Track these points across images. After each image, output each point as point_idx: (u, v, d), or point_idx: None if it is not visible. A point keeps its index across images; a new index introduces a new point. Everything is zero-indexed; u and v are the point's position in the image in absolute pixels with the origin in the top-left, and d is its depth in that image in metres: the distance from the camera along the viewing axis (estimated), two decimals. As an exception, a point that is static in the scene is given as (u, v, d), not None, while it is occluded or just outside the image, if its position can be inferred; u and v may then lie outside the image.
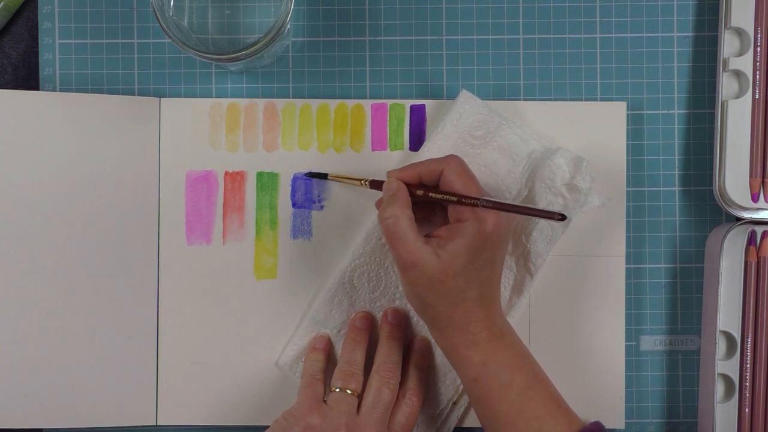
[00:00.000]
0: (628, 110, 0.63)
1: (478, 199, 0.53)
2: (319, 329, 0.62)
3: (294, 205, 0.63)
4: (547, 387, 0.55)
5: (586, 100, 0.64)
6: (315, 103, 0.63)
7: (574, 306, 0.63)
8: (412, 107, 0.63)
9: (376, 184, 0.59)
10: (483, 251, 0.53)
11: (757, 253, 0.61)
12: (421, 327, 0.62)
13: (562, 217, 0.50)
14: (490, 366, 0.54)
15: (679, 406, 0.64)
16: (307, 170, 0.63)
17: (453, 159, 0.55)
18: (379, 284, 0.62)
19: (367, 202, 0.63)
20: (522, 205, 0.54)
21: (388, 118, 0.63)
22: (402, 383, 0.60)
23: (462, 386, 0.62)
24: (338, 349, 0.62)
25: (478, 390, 0.54)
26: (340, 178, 0.62)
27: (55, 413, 0.62)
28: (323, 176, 0.62)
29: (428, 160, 0.56)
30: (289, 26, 0.58)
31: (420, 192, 0.55)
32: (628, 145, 0.63)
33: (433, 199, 0.55)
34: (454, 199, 0.54)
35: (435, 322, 0.55)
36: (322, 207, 0.63)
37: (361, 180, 0.60)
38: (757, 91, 0.62)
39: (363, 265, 0.62)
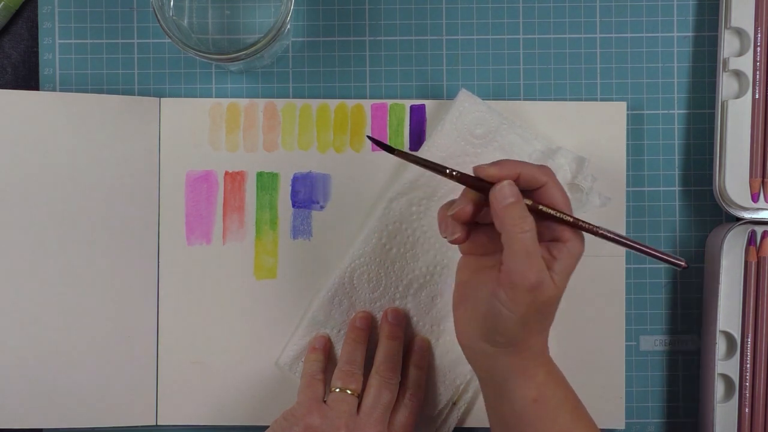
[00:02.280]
0: (628, 110, 0.63)
1: (599, 228, 0.50)
2: (319, 329, 0.62)
3: (294, 205, 0.63)
4: (571, 410, 0.53)
5: (586, 100, 0.64)
6: (315, 103, 0.63)
7: (574, 306, 0.63)
8: (412, 107, 0.63)
9: (466, 179, 0.51)
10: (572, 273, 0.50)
11: (757, 253, 0.61)
12: (421, 327, 0.62)
13: (687, 266, 0.49)
14: (548, 386, 0.51)
15: (679, 406, 0.64)
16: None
17: (551, 171, 0.51)
18: (379, 284, 0.62)
19: (367, 202, 0.63)
20: (646, 246, 0.50)
21: (388, 118, 0.63)
22: (402, 383, 0.60)
23: (462, 386, 0.62)
24: (338, 349, 0.62)
25: (536, 410, 0.51)
26: (413, 160, 0.53)
27: (55, 413, 0.62)
28: (389, 149, 0.53)
29: (528, 164, 0.50)
30: (289, 26, 0.58)
31: (529, 203, 0.50)
32: (628, 145, 0.63)
33: (539, 213, 0.50)
34: (570, 220, 0.50)
35: (517, 342, 0.50)
36: (322, 207, 0.63)
37: (446, 168, 0.52)
38: (757, 91, 0.62)
39: (363, 265, 0.62)
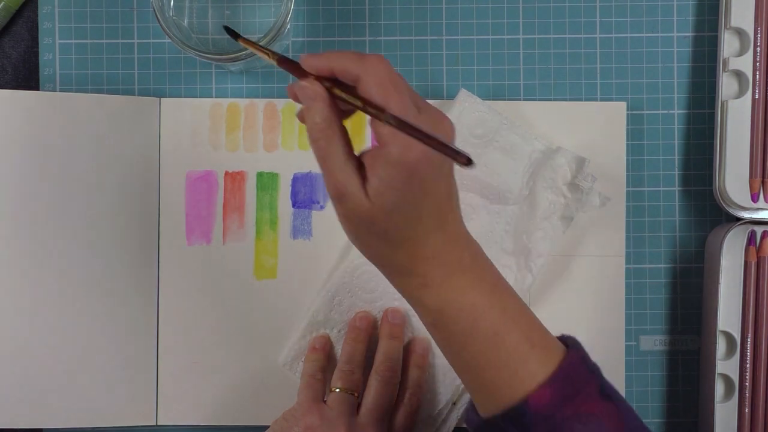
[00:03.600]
0: (628, 110, 0.63)
1: (383, 113, 0.41)
2: (319, 329, 0.62)
3: (294, 205, 0.63)
4: (518, 326, 0.46)
5: (586, 100, 0.64)
6: (315, 103, 0.63)
7: (574, 306, 0.63)
8: (412, 107, 0.63)
9: (285, 63, 0.47)
10: (412, 183, 0.42)
11: (757, 253, 0.61)
12: (421, 327, 0.62)
13: (469, 162, 0.39)
14: (447, 312, 0.46)
15: (679, 406, 0.64)
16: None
17: (377, 62, 0.42)
18: (379, 284, 0.62)
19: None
20: (433, 135, 0.40)
21: (388, 118, 0.63)
22: (402, 383, 0.60)
23: (462, 386, 0.62)
24: (338, 349, 0.62)
25: (438, 336, 0.47)
26: (250, 44, 0.51)
27: (55, 413, 0.62)
28: (235, 35, 0.52)
29: (348, 54, 0.43)
30: (289, 26, 0.58)
31: (327, 85, 0.43)
32: (628, 145, 0.63)
33: (336, 97, 0.44)
34: (359, 104, 0.42)
35: (378, 264, 0.47)
36: (322, 207, 0.63)
37: (268, 52, 0.48)
38: (757, 91, 0.62)
39: (363, 265, 0.62)
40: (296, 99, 0.45)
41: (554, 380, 0.45)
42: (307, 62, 0.44)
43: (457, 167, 0.42)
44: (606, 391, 0.46)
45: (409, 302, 0.48)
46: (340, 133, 0.44)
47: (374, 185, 0.43)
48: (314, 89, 0.43)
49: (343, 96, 0.43)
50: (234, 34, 0.53)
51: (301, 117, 0.45)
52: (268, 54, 0.48)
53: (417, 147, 0.41)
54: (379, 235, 0.44)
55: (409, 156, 0.42)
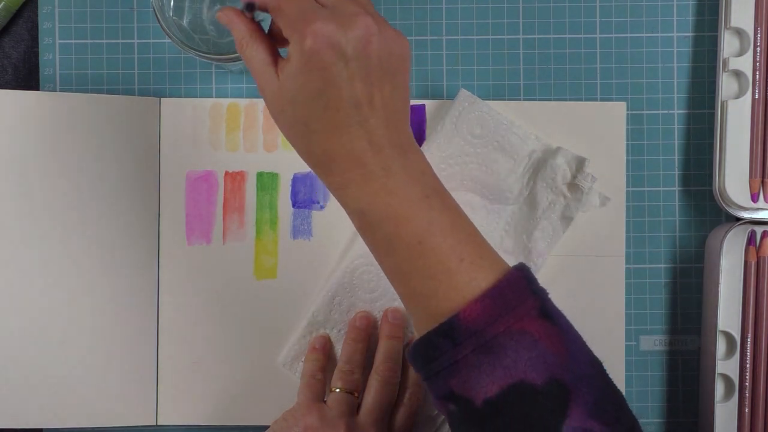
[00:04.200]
0: (628, 110, 0.63)
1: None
2: (319, 329, 0.62)
3: (294, 205, 0.63)
4: (446, 240, 0.45)
5: (586, 100, 0.64)
6: (315, 103, 0.63)
7: (574, 306, 0.62)
8: (412, 107, 0.63)
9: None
10: (312, 72, 0.44)
11: (757, 253, 0.61)
12: (421, 327, 0.62)
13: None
14: (369, 216, 0.45)
15: (679, 406, 0.64)
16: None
17: None
18: (379, 284, 0.62)
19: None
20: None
21: (388, 118, 0.63)
22: (402, 383, 0.60)
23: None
24: (338, 349, 0.62)
25: (365, 240, 0.47)
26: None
27: (55, 413, 0.62)
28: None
29: None
30: (289, 26, 0.58)
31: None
32: (628, 145, 0.63)
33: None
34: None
35: (303, 156, 0.47)
36: (322, 207, 0.63)
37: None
38: (757, 91, 0.62)
39: (363, 265, 0.62)
40: (228, 25, 0.49)
41: (487, 296, 0.44)
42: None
43: None
44: (548, 312, 0.44)
45: (341, 202, 0.47)
46: (260, 40, 0.47)
47: (285, 71, 0.45)
48: (229, 15, 0.48)
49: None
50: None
51: (239, 47, 0.48)
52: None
53: (308, 37, 0.43)
54: (291, 125, 0.46)
55: (303, 45, 0.43)
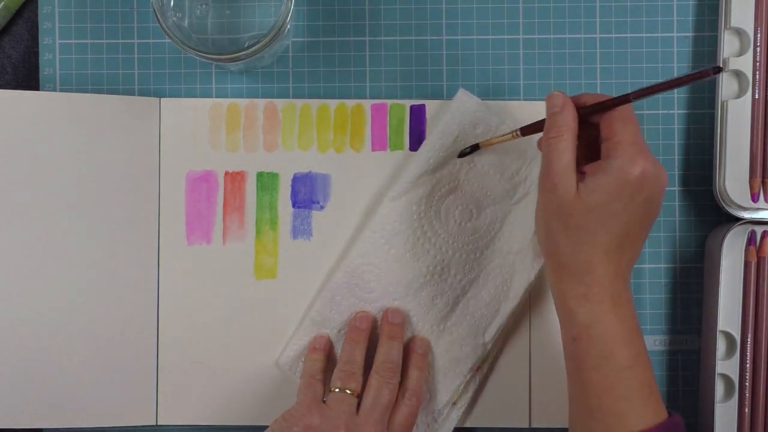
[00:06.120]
0: (628, 110, 0.63)
1: (629, 95, 0.51)
2: (319, 329, 0.62)
3: (294, 205, 0.63)
4: (646, 371, 0.52)
5: (586, 100, 0.64)
6: (315, 104, 0.63)
7: (574, 306, 0.63)
8: (412, 107, 0.63)
9: (527, 129, 0.57)
10: (622, 195, 0.50)
11: (757, 253, 0.61)
12: (421, 327, 0.62)
13: (717, 70, 0.47)
14: (594, 329, 0.51)
15: (679, 406, 0.64)
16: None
17: (625, 109, 0.51)
18: (379, 284, 0.62)
19: (367, 202, 0.63)
20: (670, 80, 0.51)
21: (388, 118, 0.63)
22: (402, 383, 0.60)
23: (462, 386, 0.62)
24: (338, 349, 0.62)
25: (574, 350, 0.52)
26: (491, 142, 0.60)
27: (55, 413, 0.62)
28: (476, 147, 0.61)
29: (595, 103, 0.52)
30: (289, 26, 0.58)
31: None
32: (628, 145, 0.63)
33: (583, 114, 0.52)
34: (604, 106, 0.51)
35: (552, 258, 0.53)
36: (322, 207, 0.63)
37: (512, 133, 0.58)
38: (757, 91, 0.62)
39: (363, 265, 0.62)
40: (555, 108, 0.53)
41: (662, 428, 0.50)
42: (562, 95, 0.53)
43: None
44: None
45: (558, 310, 0.53)
46: (572, 139, 0.51)
47: (588, 184, 0.50)
48: (564, 99, 0.52)
49: (588, 108, 0.52)
50: (473, 149, 0.61)
51: (548, 133, 0.52)
52: (513, 134, 0.58)
53: (637, 166, 0.49)
54: (569, 229, 0.51)
55: (629, 171, 0.49)
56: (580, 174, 0.51)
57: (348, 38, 0.64)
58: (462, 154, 0.61)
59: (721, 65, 0.49)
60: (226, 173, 0.63)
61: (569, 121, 0.51)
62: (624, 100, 0.51)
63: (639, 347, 0.52)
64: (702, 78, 0.48)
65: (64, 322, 0.62)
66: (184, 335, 0.63)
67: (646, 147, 0.51)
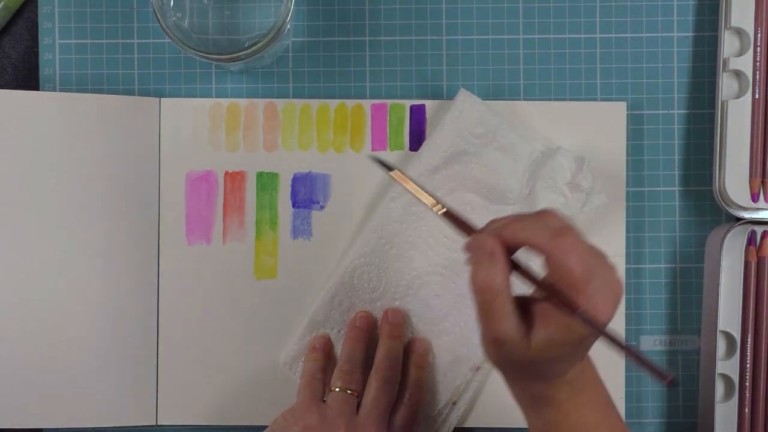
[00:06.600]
0: (628, 110, 0.63)
1: (577, 309, 0.43)
2: (319, 329, 0.62)
3: (294, 205, 0.63)
4: None
5: (586, 100, 0.64)
6: (315, 104, 0.63)
7: (574, 306, 0.63)
8: (412, 107, 0.63)
9: (453, 218, 0.48)
10: (581, 344, 0.45)
11: (757, 253, 0.61)
12: (421, 327, 0.62)
13: (671, 383, 0.43)
14: (562, 425, 0.48)
15: (679, 406, 0.64)
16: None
17: (573, 245, 0.43)
18: (379, 284, 0.62)
19: (367, 202, 0.63)
20: (634, 351, 0.44)
21: (388, 118, 0.63)
22: (402, 383, 0.60)
23: (462, 386, 0.62)
24: (338, 349, 0.62)
25: None
26: (407, 184, 0.49)
27: (55, 413, 0.62)
28: (388, 168, 0.50)
29: (539, 228, 0.44)
30: (289, 26, 0.58)
31: (511, 259, 0.45)
32: (628, 145, 0.63)
33: (522, 276, 0.45)
34: (545, 294, 0.44)
35: (512, 383, 0.49)
36: (322, 207, 0.63)
37: (434, 205, 0.48)
38: (757, 91, 0.62)
39: (363, 265, 0.62)
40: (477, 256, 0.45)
41: None
42: (493, 225, 0.45)
43: None
44: None
45: (522, 407, 0.49)
46: (507, 289, 0.44)
47: (541, 338, 0.44)
48: (492, 247, 0.44)
49: (528, 279, 0.45)
50: (386, 167, 0.50)
51: (467, 248, 0.45)
52: (436, 204, 0.48)
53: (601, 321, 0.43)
54: (528, 373, 0.46)
55: (588, 329, 0.43)
56: (528, 316, 0.45)
57: (348, 38, 0.64)
58: (377, 159, 0.52)
59: (673, 375, 0.47)
60: (226, 173, 0.63)
61: (500, 274, 0.44)
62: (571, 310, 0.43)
63: (611, 422, 0.49)
64: (660, 379, 0.43)
65: (64, 322, 0.62)
66: (184, 335, 0.63)
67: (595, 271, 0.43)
